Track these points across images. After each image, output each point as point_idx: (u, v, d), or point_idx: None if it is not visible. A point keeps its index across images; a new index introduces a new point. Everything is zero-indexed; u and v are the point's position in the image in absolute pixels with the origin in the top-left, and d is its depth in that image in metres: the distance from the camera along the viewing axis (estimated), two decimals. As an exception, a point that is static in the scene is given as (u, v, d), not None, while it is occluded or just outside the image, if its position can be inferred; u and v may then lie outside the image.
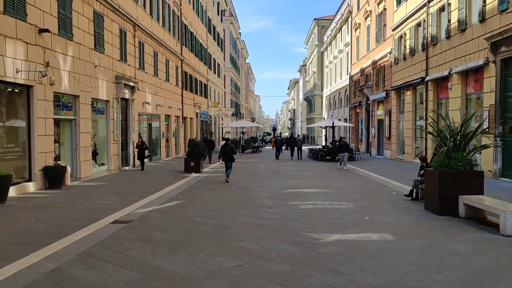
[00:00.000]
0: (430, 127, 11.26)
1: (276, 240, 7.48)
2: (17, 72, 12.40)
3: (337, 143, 27.75)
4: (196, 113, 39.66)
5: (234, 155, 16.84)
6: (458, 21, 19.26)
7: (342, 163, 23.18)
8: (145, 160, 21.66)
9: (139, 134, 23.55)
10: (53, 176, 13.92)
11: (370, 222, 9.04)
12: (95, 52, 17.87)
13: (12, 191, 12.16)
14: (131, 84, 21.64)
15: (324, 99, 66.31)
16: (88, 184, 15.44)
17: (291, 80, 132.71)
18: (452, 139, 10.15)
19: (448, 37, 20.50)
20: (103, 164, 19.59)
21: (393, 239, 7.57)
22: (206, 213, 10.03)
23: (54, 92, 14.58)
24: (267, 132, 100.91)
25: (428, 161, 12.74)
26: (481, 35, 17.07)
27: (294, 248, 6.97)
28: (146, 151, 21.41)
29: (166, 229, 8.37)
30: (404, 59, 26.79)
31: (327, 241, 7.38)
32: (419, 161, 12.88)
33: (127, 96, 21.67)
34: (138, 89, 22.95)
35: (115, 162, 20.04)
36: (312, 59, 76.78)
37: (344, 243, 7.25)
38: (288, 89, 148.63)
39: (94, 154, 19.04)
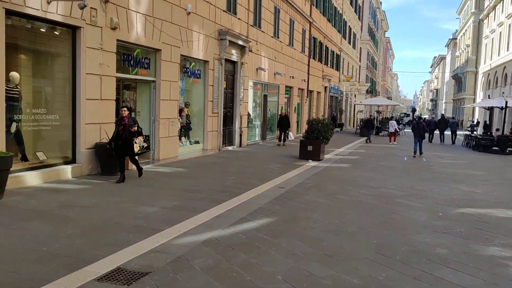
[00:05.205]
0: None
1: None
2: (48, 3, 8.39)
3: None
4: (325, 87, 34.10)
5: None
6: None
7: None
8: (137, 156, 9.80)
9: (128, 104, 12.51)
10: (108, 158, 9.82)
11: None
12: (189, -6, 13.52)
13: (37, 178, 8.36)
14: (240, 43, 17.01)
15: (480, 76, 55.54)
16: (161, 170, 11.13)
17: (435, 57, 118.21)
18: None
19: None
20: (197, 143, 15.40)
21: None
22: (307, 267, 4.83)
23: (117, 40, 10.44)
24: (404, 113, 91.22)
25: None
26: None
27: None
28: (139, 139, 9.33)
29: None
30: None
31: None
32: None
33: (234, 58, 17.13)
34: (250, 51, 18.28)
35: (213, 140, 15.73)
36: (466, 30, 65.40)
37: None
38: (431, 67, 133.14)
39: (187, 130, 14.99)
